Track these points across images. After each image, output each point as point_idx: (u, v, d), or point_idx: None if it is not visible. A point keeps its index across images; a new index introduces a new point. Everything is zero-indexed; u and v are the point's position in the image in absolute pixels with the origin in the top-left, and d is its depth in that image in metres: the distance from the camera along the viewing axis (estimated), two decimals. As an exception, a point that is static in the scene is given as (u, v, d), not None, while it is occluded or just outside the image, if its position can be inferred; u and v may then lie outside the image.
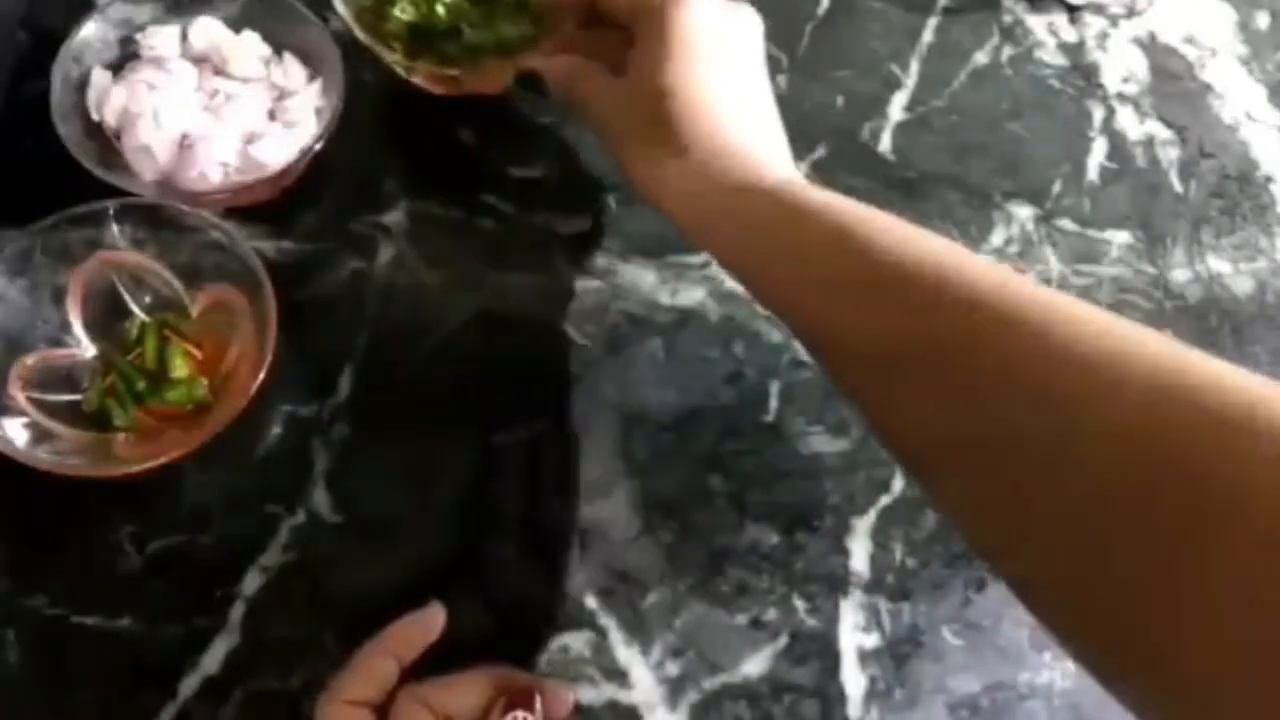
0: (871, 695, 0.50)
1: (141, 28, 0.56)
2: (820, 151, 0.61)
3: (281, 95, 0.57)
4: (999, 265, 0.41)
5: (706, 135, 0.45)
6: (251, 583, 0.49)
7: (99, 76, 0.55)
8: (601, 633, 0.50)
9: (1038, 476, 0.33)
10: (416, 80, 0.59)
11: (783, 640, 0.51)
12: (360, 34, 0.55)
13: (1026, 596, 0.36)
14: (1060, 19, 0.67)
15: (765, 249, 0.44)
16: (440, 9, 0.57)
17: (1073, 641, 0.35)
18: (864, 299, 0.40)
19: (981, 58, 0.65)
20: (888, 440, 0.42)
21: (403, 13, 0.58)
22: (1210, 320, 0.60)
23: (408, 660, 0.45)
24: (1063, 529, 0.33)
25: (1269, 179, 0.64)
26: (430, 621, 0.46)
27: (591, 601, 0.51)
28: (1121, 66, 0.66)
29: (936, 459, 0.38)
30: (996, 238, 0.60)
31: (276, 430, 0.52)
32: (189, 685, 0.48)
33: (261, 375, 0.48)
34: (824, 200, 0.43)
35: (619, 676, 0.49)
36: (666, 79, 0.46)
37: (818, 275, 0.41)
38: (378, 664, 0.44)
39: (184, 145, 0.54)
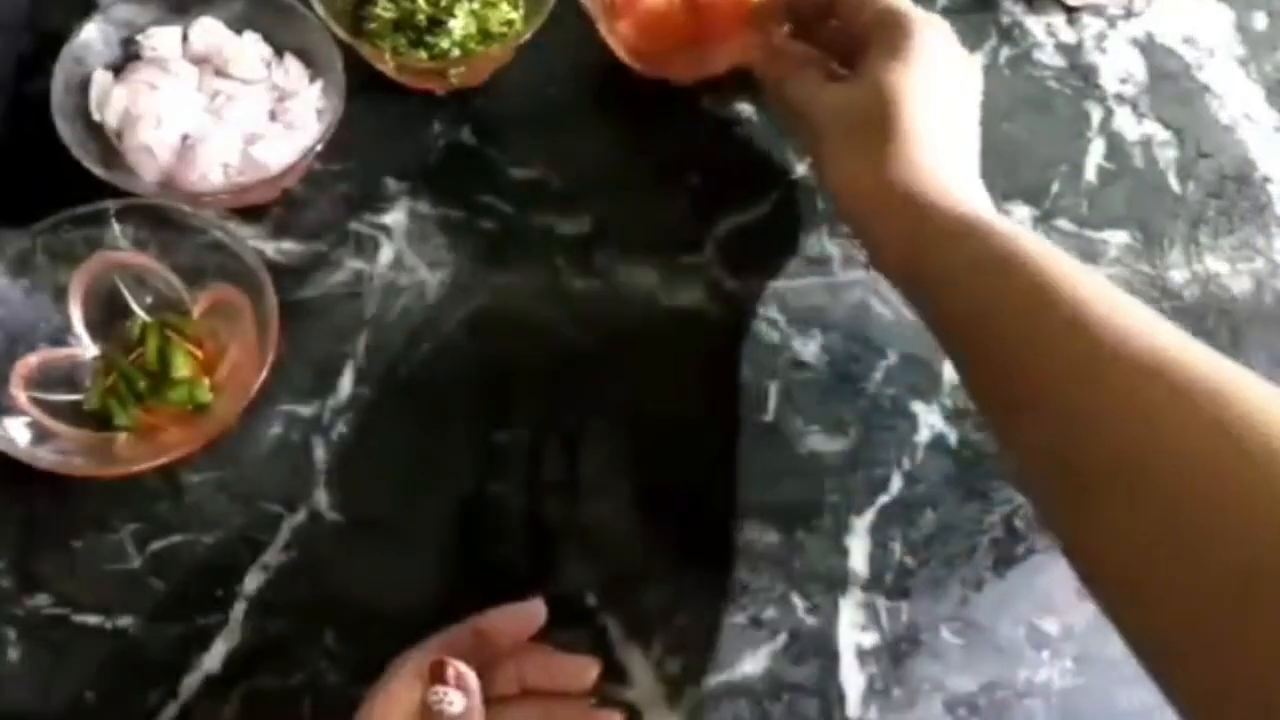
0: (870, 694, 0.50)
1: (143, 29, 0.57)
2: (819, 152, 0.62)
3: (282, 96, 0.57)
4: (1216, 356, 0.41)
5: (918, 148, 0.46)
6: (252, 582, 0.50)
7: (100, 77, 0.56)
8: (601, 631, 0.50)
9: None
10: (404, 78, 0.59)
11: (781, 639, 0.51)
12: (341, 33, 0.56)
13: None
14: (1058, 20, 0.68)
15: (952, 279, 0.44)
16: (422, 1, 0.58)
17: None
18: (1061, 368, 0.39)
19: (979, 58, 0.66)
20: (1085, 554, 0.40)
21: (385, 10, 0.58)
22: (1208, 320, 0.60)
23: (495, 647, 0.45)
24: None
25: (1266, 179, 0.64)
26: (528, 615, 0.46)
27: (591, 600, 0.51)
28: (1119, 67, 0.66)
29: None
30: (995, 238, 0.61)
31: (277, 430, 0.53)
32: (190, 684, 0.48)
33: (262, 375, 0.49)
34: (1026, 250, 0.42)
35: (618, 674, 0.49)
36: (897, 84, 0.47)
37: (1013, 330, 0.41)
38: (453, 644, 0.44)
39: (185, 146, 0.55)
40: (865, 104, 0.48)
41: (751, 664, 0.50)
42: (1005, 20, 0.67)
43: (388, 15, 0.58)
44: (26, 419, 0.49)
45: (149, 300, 0.53)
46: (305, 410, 0.53)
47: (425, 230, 0.57)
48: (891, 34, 0.49)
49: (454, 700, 0.40)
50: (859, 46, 0.50)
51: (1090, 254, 0.61)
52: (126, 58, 0.57)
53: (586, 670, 0.46)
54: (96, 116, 0.55)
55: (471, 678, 0.41)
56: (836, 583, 0.52)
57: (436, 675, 0.40)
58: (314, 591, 0.50)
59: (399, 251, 0.57)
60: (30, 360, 0.50)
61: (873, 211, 0.47)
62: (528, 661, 0.45)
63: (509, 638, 0.45)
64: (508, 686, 0.45)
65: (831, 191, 0.50)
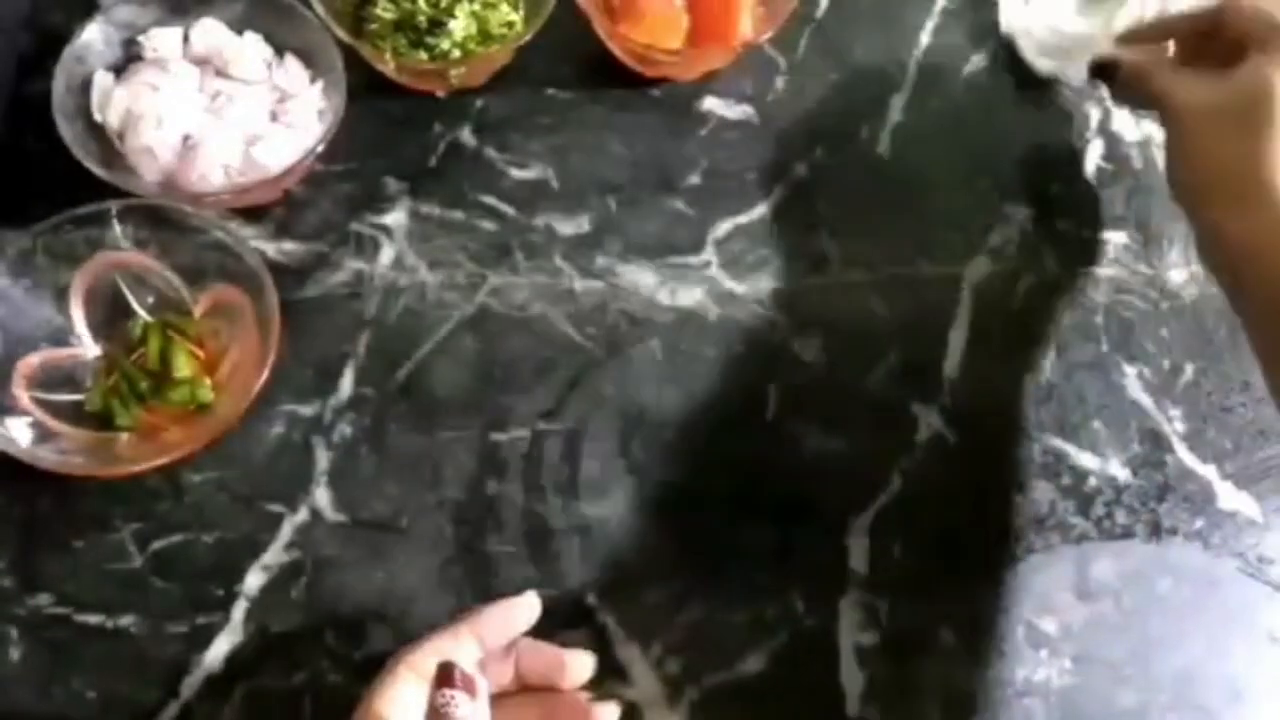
0: (869, 693, 0.50)
1: (144, 29, 0.57)
2: (819, 153, 0.62)
3: (283, 97, 0.57)
4: None
5: None
6: (253, 581, 0.50)
7: (102, 78, 0.56)
8: (601, 630, 0.50)
9: None
10: (405, 79, 0.59)
11: (781, 638, 0.51)
12: (341, 34, 0.56)
13: None
14: (1057, 21, 0.68)
15: None
16: (422, 2, 0.58)
17: None
18: None
19: (979, 60, 0.66)
20: None
21: (385, 11, 0.58)
22: (1206, 320, 0.60)
23: (493, 645, 0.45)
24: None
25: (1265, 180, 0.64)
26: (522, 610, 0.46)
27: (591, 599, 0.51)
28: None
29: None
30: (994, 238, 0.61)
31: (278, 430, 0.53)
32: (191, 683, 0.48)
33: (264, 375, 0.49)
34: None
35: (619, 674, 0.50)
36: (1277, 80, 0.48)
37: None
38: (450, 642, 0.44)
39: (186, 146, 0.55)
40: (1239, 94, 0.49)
41: (751, 663, 0.50)
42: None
43: (388, 16, 0.58)
44: (28, 419, 0.49)
45: (150, 300, 0.53)
46: (306, 410, 0.53)
47: (426, 230, 0.58)
48: (1275, 40, 0.49)
49: (461, 703, 0.40)
50: (1234, 55, 0.51)
51: (1089, 254, 0.61)
52: (127, 58, 0.57)
53: (583, 665, 0.46)
54: (98, 117, 0.55)
55: (480, 681, 0.41)
56: (836, 582, 0.52)
57: (444, 678, 0.40)
58: (315, 591, 0.50)
59: (400, 252, 0.57)
60: (32, 360, 0.50)
61: (1234, 200, 0.48)
62: (525, 657, 0.45)
63: (504, 633, 0.45)
64: (506, 682, 0.45)
65: (1187, 173, 0.51)
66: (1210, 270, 0.52)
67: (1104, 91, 0.63)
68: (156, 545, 0.50)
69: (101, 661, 0.48)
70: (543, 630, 0.47)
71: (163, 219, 0.52)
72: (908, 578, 0.52)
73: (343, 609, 0.50)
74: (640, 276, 0.58)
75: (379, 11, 0.58)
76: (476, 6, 0.59)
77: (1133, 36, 0.59)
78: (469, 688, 0.40)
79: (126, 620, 0.49)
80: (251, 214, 0.57)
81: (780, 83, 0.64)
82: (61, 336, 0.52)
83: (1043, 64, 0.64)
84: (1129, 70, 0.57)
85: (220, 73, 0.57)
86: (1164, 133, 0.54)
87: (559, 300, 0.57)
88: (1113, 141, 0.64)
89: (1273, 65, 0.49)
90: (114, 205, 0.51)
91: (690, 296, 0.58)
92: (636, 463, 0.54)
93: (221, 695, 0.48)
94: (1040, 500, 0.55)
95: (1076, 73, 0.63)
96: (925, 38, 0.66)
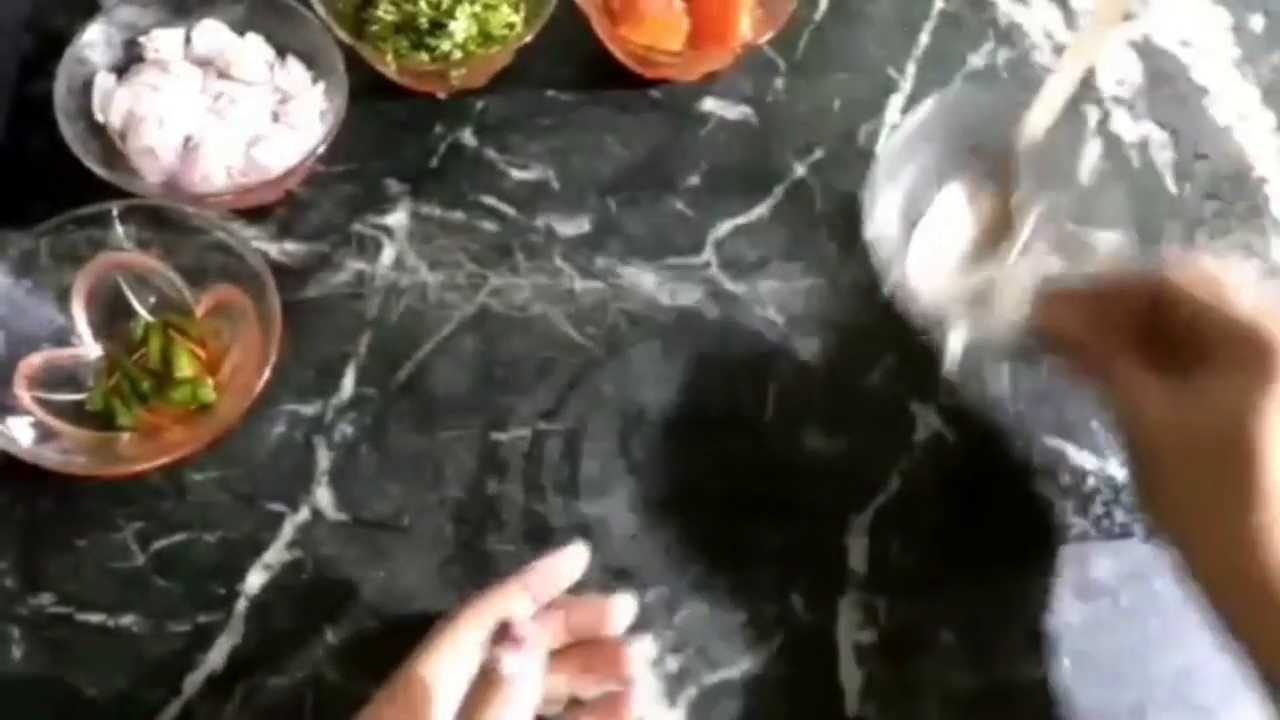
0: (868, 691, 0.50)
1: (146, 31, 0.57)
2: (817, 154, 0.62)
3: (285, 98, 0.58)
4: None
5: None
6: (255, 580, 0.50)
7: (103, 79, 0.56)
8: (601, 630, 0.50)
9: None
10: (406, 80, 0.59)
11: (780, 637, 0.51)
12: (343, 35, 0.56)
13: None
14: (1055, 22, 0.68)
15: None
16: (423, 4, 0.58)
17: None
18: None
19: (977, 61, 0.66)
20: None
21: (387, 13, 0.58)
22: (1204, 320, 0.60)
23: (543, 599, 0.45)
24: None
25: (1263, 180, 0.64)
26: (571, 562, 0.46)
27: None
28: (1116, 69, 0.67)
29: None
30: (993, 239, 0.61)
31: (280, 429, 0.53)
32: (193, 682, 0.48)
33: (265, 375, 0.49)
34: None
35: (619, 673, 0.50)
36: (1257, 425, 0.39)
37: None
38: (504, 599, 0.44)
39: (188, 147, 0.55)
40: (1213, 442, 0.41)
41: (750, 662, 0.51)
42: (1003, 22, 0.68)
43: (389, 18, 0.58)
44: (30, 419, 0.49)
45: (152, 301, 0.53)
46: (308, 410, 0.53)
47: (427, 231, 0.58)
48: (1244, 352, 0.41)
49: (513, 659, 0.40)
50: (1196, 354, 0.43)
51: (1086, 254, 0.61)
52: (129, 59, 0.57)
53: (626, 609, 0.46)
54: (99, 118, 0.55)
55: (537, 634, 0.41)
56: (835, 581, 0.52)
57: (498, 636, 0.41)
58: (316, 590, 0.50)
59: (401, 252, 0.57)
60: (34, 360, 0.50)
61: (1207, 537, 0.42)
62: (572, 612, 0.46)
63: (553, 587, 0.46)
64: (555, 639, 0.45)
65: (1154, 501, 0.45)
66: (1181, 565, 0.44)
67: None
68: (158, 544, 0.50)
69: (103, 660, 0.48)
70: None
71: (164, 219, 0.52)
72: (907, 577, 0.53)
73: (344, 608, 0.50)
74: (640, 277, 0.58)
75: (380, 13, 0.58)
76: (477, 8, 0.59)
77: (1051, 303, 0.49)
78: (521, 642, 0.40)
79: (128, 619, 0.49)
80: (253, 214, 0.57)
81: (780, 83, 0.64)
82: (63, 336, 0.52)
83: (944, 340, 0.54)
84: (1074, 356, 0.48)
85: (222, 74, 0.57)
86: (1124, 440, 0.47)
87: (559, 300, 0.57)
88: (1111, 141, 0.64)
89: (1247, 395, 0.40)
90: (116, 206, 0.51)
91: (690, 296, 0.58)
92: (636, 462, 0.54)
93: (223, 694, 0.48)
94: (1039, 499, 0.55)
95: (987, 349, 0.54)
96: (924, 38, 0.66)
